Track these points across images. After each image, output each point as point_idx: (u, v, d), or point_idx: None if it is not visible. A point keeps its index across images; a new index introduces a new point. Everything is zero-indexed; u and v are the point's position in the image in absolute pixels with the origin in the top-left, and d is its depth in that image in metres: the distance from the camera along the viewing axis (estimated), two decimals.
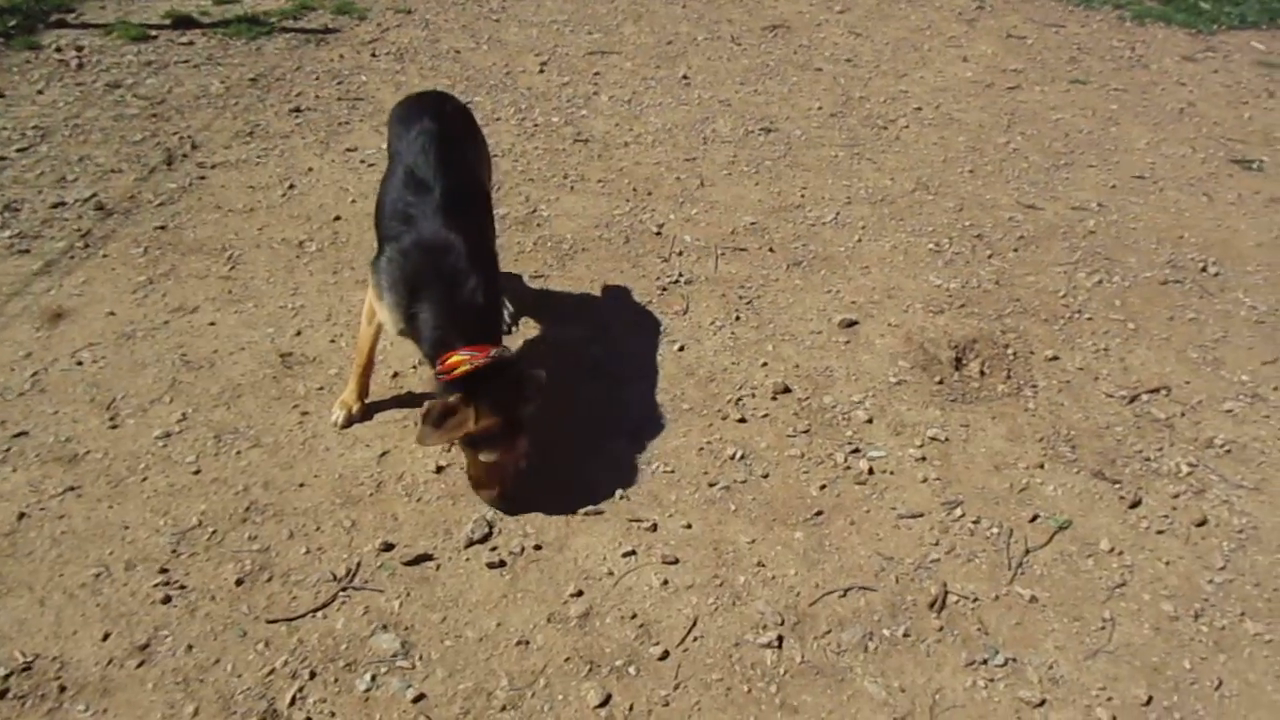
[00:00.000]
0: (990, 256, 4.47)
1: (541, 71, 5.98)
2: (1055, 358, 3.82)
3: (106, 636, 2.47)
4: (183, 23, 6.16)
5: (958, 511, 3.07)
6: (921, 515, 3.05)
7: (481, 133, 3.61)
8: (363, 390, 3.26)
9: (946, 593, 2.78)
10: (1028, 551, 2.95)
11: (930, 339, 3.87)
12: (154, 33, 6.01)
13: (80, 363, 3.40)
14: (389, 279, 2.86)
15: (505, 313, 3.63)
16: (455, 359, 2.74)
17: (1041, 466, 3.29)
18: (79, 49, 5.73)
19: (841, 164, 5.19)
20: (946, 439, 3.37)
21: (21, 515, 2.80)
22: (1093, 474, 3.27)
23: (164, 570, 2.66)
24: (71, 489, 2.90)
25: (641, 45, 6.49)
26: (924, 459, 3.27)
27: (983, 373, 3.75)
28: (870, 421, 3.42)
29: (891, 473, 3.21)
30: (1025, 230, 4.70)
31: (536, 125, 5.33)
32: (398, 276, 2.84)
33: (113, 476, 2.95)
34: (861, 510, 3.06)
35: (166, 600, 2.58)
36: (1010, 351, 3.85)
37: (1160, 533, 3.07)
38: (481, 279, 2.83)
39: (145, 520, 2.81)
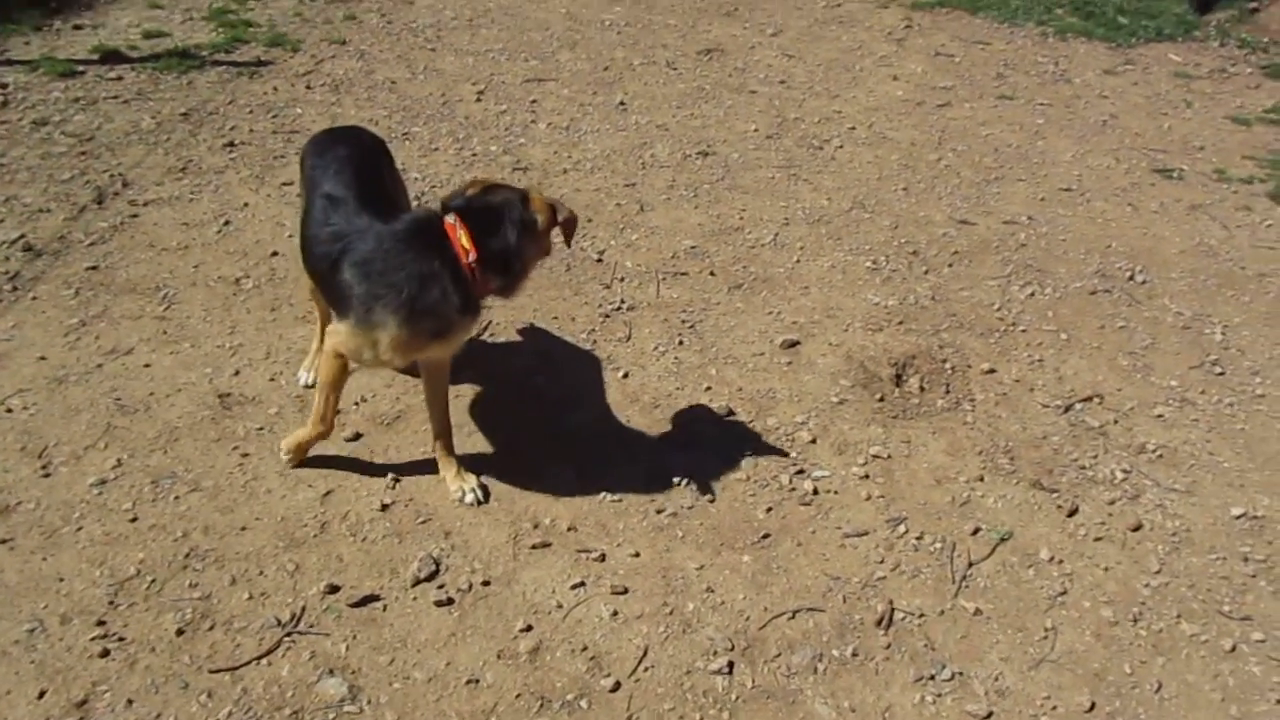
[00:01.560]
0: (926, 273, 4.56)
1: (479, 100, 5.98)
2: (992, 370, 3.91)
3: (42, 694, 2.41)
4: (111, 57, 6.05)
5: (901, 528, 3.12)
6: (866, 533, 3.09)
7: (395, 166, 3.55)
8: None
9: (893, 610, 2.82)
10: (971, 564, 3.01)
11: (870, 357, 3.93)
12: (81, 68, 5.91)
13: (10, 410, 3.31)
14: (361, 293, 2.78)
15: None
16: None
17: (981, 479, 3.36)
18: (3, 86, 5.60)
19: (779, 185, 5.26)
20: (889, 456, 3.42)
21: None
22: (1031, 484, 3.35)
23: (101, 623, 2.60)
24: (3, 541, 2.82)
25: (578, 72, 6.53)
26: (867, 477, 3.32)
27: (922, 388, 3.82)
28: (814, 442, 3.47)
29: (836, 492, 3.25)
30: (959, 245, 4.80)
31: (474, 154, 5.33)
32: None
33: (46, 527, 2.88)
34: (808, 531, 3.09)
35: (105, 654, 2.52)
36: (948, 366, 3.92)
37: (1098, 540, 3.15)
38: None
39: (81, 571, 2.74)
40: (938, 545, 3.06)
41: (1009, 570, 3.01)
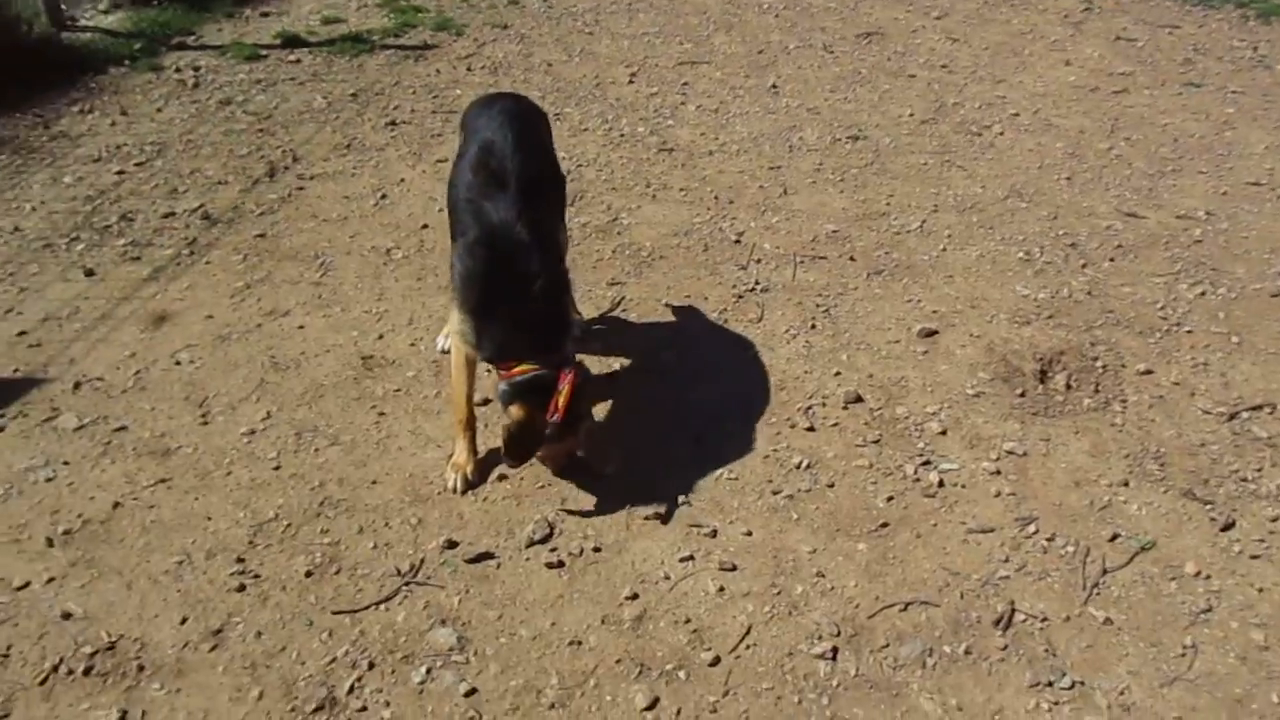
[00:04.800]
0: (1084, 266, 4.30)
1: (631, 82, 6.04)
2: (1149, 372, 3.65)
3: (184, 621, 2.61)
4: (291, 42, 6.46)
5: (1031, 528, 2.96)
6: (992, 530, 2.95)
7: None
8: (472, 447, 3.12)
9: (1014, 611, 2.69)
10: (1105, 572, 2.83)
11: (1014, 350, 3.75)
12: (265, 52, 6.33)
13: (179, 363, 3.60)
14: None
15: (575, 322, 3.68)
16: (521, 368, 2.81)
17: (1126, 484, 3.15)
18: (196, 69, 6.07)
19: (930, 171, 5.08)
20: (1024, 453, 3.26)
21: (116, 505, 2.98)
22: (1182, 494, 3.11)
23: (240, 560, 2.79)
24: (162, 481, 3.07)
25: (732, 55, 6.49)
26: (999, 473, 3.17)
27: (1068, 386, 3.61)
28: (944, 433, 3.34)
29: (963, 486, 3.12)
30: (1124, 239, 4.51)
31: (622, 135, 5.39)
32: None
33: (200, 470, 3.11)
34: (929, 524, 2.98)
35: (241, 589, 2.70)
36: (1100, 365, 3.69)
37: (1254, 557, 2.90)
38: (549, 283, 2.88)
39: (227, 512, 2.95)
40: (1069, 549, 2.89)
41: (1147, 581, 2.81)
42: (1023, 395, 3.54)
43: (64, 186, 4.80)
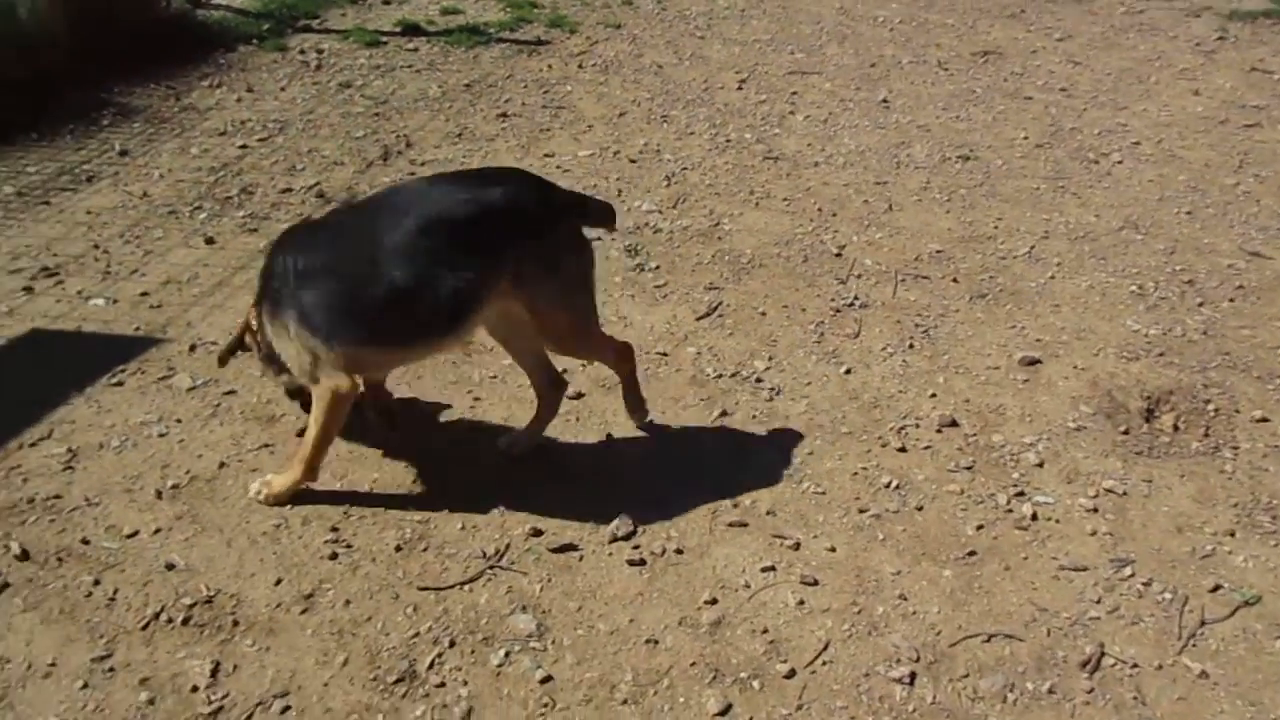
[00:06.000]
0: (1200, 304, 4.14)
1: (740, 88, 6.04)
2: (1264, 419, 3.50)
3: (278, 582, 2.70)
4: (411, 30, 6.63)
5: (1127, 570, 2.87)
6: (1085, 569, 2.87)
7: None
8: None
9: (1103, 654, 2.61)
10: (1203, 623, 2.72)
11: (1120, 386, 3.64)
12: (385, 39, 6.51)
13: None
14: None
15: None
16: None
17: (1232, 534, 3.03)
18: (319, 51, 6.28)
19: (1043, 196, 4.95)
20: (1125, 493, 3.16)
21: (222, 465, 3.10)
22: None
23: (335, 529, 2.88)
24: (265, 446, 3.19)
25: (843, 66, 6.44)
26: (1096, 510, 3.08)
27: (1176, 427, 3.48)
28: (1041, 465, 3.26)
29: (1057, 521, 3.04)
30: (1246, 279, 4.33)
31: (728, 141, 5.39)
32: None
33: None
34: (1019, 556, 2.91)
35: (334, 556, 2.79)
36: (1211, 408, 3.56)
37: None
38: None
39: (324, 481, 3.04)
40: (1167, 595, 2.79)
41: (1249, 637, 2.69)
42: (1126, 433, 3.43)
43: (191, 157, 5.01)
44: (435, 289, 2.71)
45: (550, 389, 3.19)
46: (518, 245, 2.80)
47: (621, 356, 3.20)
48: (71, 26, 5.58)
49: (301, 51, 6.30)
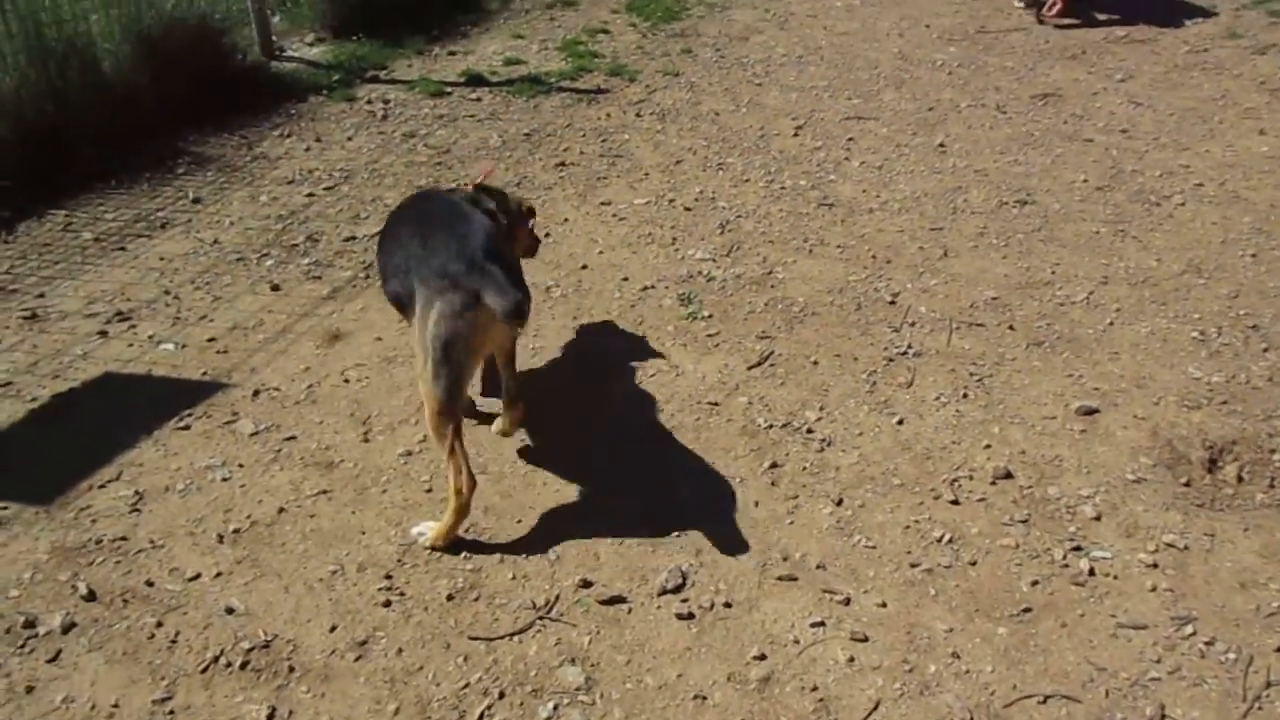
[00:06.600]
0: (1265, 350, 4.04)
1: (796, 135, 6.08)
2: None
3: (334, 629, 2.76)
4: (474, 81, 6.81)
5: (1189, 628, 2.79)
6: (1145, 627, 2.80)
7: None
8: None
9: (1164, 716, 2.53)
10: (1269, 685, 2.63)
11: (1181, 436, 3.55)
12: (449, 89, 6.69)
13: (347, 380, 3.83)
14: None
15: None
16: None
17: None
18: (385, 102, 6.48)
19: (1102, 241, 4.89)
20: (1186, 547, 3.08)
21: (281, 510, 3.19)
22: None
23: (389, 576, 2.94)
24: (324, 492, 3.27)
25: (900, 111, 6.44)
26: (1156, 566, 3.01)
27: (1240, 479, 3.39)
28: (1099, 519, 3.19)
29: (1116, 577, 2.97)
30: None
31: (783, 188, 5.42)
32: None
33: (358, 485, 3.30)
34: (1076, 613, 2.85)
35: (387, 604, 2.84)
36: (1277, 458, 3.45)
37: None
38: None
39: (379, 529, 3.11)
40: (1231, 655, 2.71)
41: None
42: (1188, 484, 3.35)
43: (260, 205, 5.19)
44: None
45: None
46: None
47: None
48: (153, 79, 5.84)
49: (369, 101, 6.51)
